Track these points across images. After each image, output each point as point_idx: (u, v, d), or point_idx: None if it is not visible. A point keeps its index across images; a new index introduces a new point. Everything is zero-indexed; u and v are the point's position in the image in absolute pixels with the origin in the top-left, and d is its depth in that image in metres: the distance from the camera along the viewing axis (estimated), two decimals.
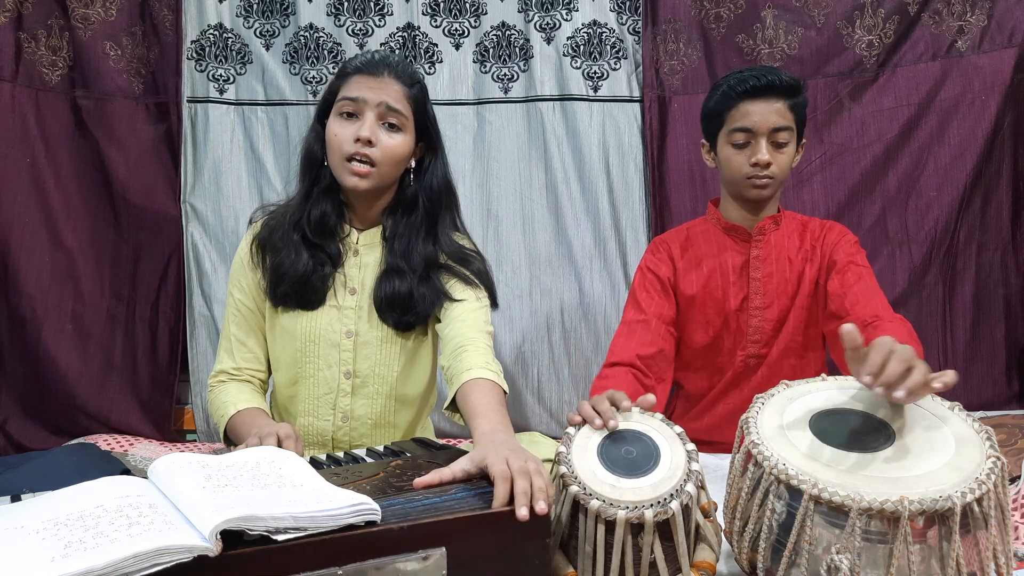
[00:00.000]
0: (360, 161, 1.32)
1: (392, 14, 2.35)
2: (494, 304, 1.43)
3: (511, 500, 0.85)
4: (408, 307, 1.38)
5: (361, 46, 2.33)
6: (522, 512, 0.83)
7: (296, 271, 1.37)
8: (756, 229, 1.62)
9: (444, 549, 0.81)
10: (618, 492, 0.91)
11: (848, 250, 1.59)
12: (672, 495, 0.90)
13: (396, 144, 1.34)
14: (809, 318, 1.62)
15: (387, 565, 0.79)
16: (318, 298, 1.39)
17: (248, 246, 1.43)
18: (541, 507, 0.84)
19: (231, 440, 1.35)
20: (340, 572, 0.77)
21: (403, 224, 1.41)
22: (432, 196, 1.42)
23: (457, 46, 2.36)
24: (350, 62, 1.38)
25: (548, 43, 2.33)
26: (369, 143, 1.31)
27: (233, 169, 2.33)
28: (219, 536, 0.71)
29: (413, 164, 1.41)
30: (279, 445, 1.09)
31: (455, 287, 1.39)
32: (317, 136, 1.40)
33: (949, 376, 0.92)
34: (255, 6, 2.35)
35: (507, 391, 1.23)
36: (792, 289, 1.61)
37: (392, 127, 1.34)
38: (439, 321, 1.39)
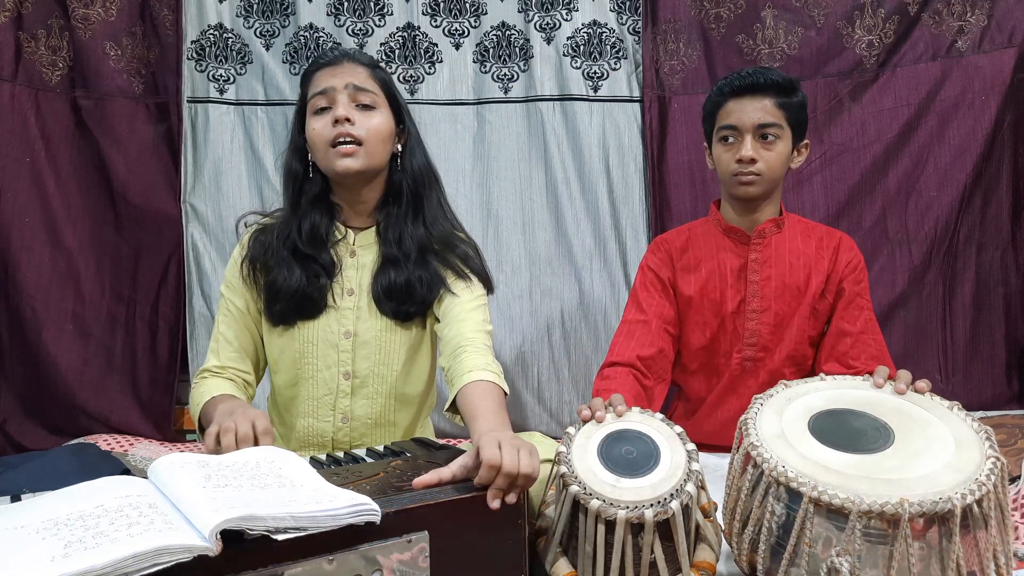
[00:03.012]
0: (345, 142, 1.34)
1: (392, 14, 2.34)
2: (489, 289, 1.44)
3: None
4: (406, 296, 1.39)
5: (361, 46, 2.33)
6: (494, 504, 0.91)
7: (290, 287, 1.37)
8: (756, 232, 1.61)
9: (426, 532, 0.85)
10: (618, 492, 0.91)
11: (856, 278, 1.61)
12: (672, 495, 0.90)
13: (376, 122, 1.37)
14: (813, 325, 1.61)
15: (373, 551, 0.81)
16: (317, 309, 1.39)
17: (240, 259, 1.43)
18: (510, 498, 0.92)
19: (203, 427, 1.32)
20: (331, 558, 0.79)
21: (394, 214, 1.43)
22: (416, 177, 1.44)
23: (457, 46, 2.36)
24: (309, 66, 1.43)
25: (548, 43, 2.33)
26: (348, 121, 1.33)
27: (233, 169, 2.33)
28: (219, 536, 0.71)
29: (400, 148, 1.43)
30: (255, 439, 1.08)
31: (448, 277, 1.40)
32: (295, 149, 1.43)
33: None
34: (255, 6, 2.35)
35: (507, 392, 1.23)
36: (794, 294, 1.60)
37: (366, 107, 1.37)
38: (438, 321, 1.39)
